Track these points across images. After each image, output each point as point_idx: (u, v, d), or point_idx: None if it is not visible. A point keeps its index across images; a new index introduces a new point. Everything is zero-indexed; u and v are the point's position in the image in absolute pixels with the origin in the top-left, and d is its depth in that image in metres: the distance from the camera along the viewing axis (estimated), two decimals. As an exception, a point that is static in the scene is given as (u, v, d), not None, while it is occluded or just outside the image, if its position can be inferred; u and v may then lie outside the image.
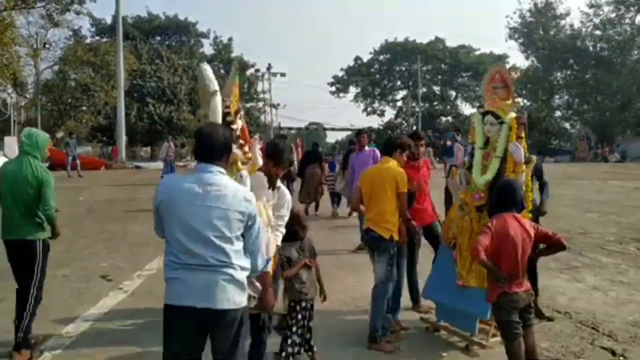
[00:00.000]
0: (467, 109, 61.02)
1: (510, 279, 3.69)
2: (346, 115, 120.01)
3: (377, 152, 8.42)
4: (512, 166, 4.61)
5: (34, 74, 37.28)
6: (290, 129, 59.70)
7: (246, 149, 3.93)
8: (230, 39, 54.66)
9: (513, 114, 4.74)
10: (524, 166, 4.61)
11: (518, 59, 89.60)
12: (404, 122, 62.51)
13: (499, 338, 4.22)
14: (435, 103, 63.69)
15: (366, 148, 8.85)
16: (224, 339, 2.82)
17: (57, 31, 35.68)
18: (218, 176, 2.84)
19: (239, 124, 3.91)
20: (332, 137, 78.78)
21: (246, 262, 2.88)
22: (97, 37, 45.84)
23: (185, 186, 2.81)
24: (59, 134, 35.35)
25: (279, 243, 3.89)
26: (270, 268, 3.27)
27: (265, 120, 56.18)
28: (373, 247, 4.82)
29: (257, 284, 3.22)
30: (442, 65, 62.23)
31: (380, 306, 4.74)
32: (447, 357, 4.64)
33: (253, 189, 3.39)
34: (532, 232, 3.78)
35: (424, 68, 60.83)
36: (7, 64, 28.00)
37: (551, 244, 3.95)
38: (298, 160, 15.22)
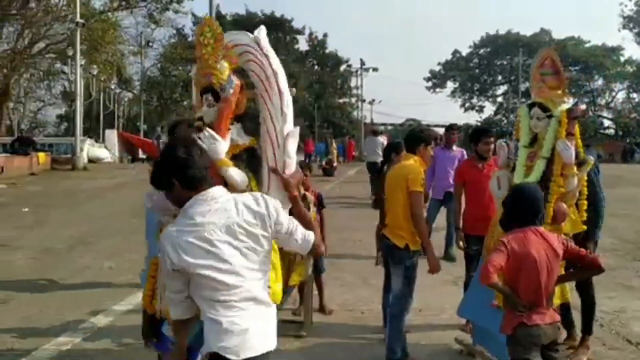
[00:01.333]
0: (575, 105, 56.89)
1: (530, 307, 2.98)
2: (442, 111, 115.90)
3: (465, 154, 7.59)
4: (560, 168, 3.85)
5: (141, 70, 39.67)
6: (384, 124, 58.80)
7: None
8: (325, 35, 54.90)
9: (565, 106, 3.93)
10: (574, 168, 3.83)
11: (633, 51, 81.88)
12: (504, 118, 59.41)
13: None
14: (540, 99, 59.95)
15: (454, 147, 7.76)
16: None
17: (163, 30, 37.60)
18: None
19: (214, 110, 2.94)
20: (431, 133, 76.67)
21: None
22: (198, 35, 47.72)
23: None
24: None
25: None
26: None
27: (358, 116, 55.81)
28: (388, 257, 4.27)
29: None
30: (548, 59, 58.38)
31: (398, 325, 4.16)
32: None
33: None
34: (560, 250, 3.02)
35: (527, 62, 57.38)
36: (110, 61, 29.89)
37: (584, 266, 3.19)
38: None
